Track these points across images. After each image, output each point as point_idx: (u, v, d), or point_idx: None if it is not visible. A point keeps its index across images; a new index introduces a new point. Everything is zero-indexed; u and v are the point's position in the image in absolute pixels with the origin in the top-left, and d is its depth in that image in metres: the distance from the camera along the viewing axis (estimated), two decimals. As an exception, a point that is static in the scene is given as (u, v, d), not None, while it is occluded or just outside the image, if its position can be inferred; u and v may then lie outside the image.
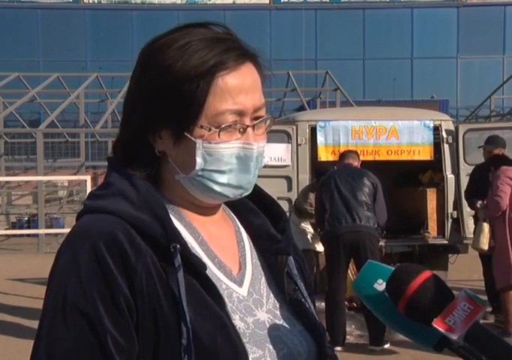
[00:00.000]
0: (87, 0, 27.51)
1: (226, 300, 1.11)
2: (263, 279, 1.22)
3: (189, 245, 1.12)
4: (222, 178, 1.13)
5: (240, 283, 1.17)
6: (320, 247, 7.48)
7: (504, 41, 27.80)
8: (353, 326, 6.78)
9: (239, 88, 1.11)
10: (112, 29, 27.06)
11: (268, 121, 1.17)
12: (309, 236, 7.79)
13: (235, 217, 1.28)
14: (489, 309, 7.04)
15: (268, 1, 27.71)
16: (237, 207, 1.28)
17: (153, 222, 1.08)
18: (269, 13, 27.67)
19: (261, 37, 24.85)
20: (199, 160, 1.12)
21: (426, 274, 0.99)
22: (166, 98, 1.11)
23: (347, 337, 6.45)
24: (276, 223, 1.27)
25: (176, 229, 1.10)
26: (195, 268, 1.08)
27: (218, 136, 1.11)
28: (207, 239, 1.18)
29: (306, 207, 7.55)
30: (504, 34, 27.78)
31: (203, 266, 1.10)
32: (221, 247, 1.19)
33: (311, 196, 7.41)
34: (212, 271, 1.14)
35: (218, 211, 1.23)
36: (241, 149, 1.13)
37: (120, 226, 1.07)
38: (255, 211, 1.28)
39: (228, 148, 1.12)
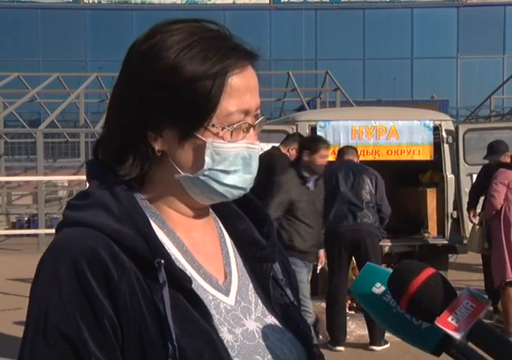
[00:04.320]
0: (87, 0, 27.50)
1: (213, 312, 1.09)
2: (251, 285, 1.19)
3: (173, 257, 1.08)
4: (227, 179, 1.12)
5: (227, 292, 1.14)
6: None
7: (504, 41, 27.78)
8: (353, 326, 6.77)
9: (246, 87, 1.11)
10: (112, 29, 27.04)
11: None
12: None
13: (219, 221, 1.25)
14: (490, 308, 7.03)
15: (268, 1, 27.70)
16: (222, 211, 1.25)
17: (135, 235, 1.04)
18: (269, 13, 27.66)
19: (261, 37, 24.83)
20: (208, 159, 1.10)
21: (429, 271, 0.98)
22: (173, 97, 1.08)
23: (348, 336, 6.44)
24: (261, 227, 1.24)
25: (160, 241, 1.06)
26: (180, 282, 1.05)
27: (231, 135, 1.10)
28: (191, 248, 1.14)
29: None
30: (504, 34, 27.76)
31: (189, 281, 1.06)
32: (205, 256, 1.16)
33: None
34: (198, 282, 1.11)
35: (205, 213, 1.20)
36: (246, 149, 1.13)
37: (101, 241, 1.03)
38: (240, 215, 1.25)
39: (236, 147, 1.11)
